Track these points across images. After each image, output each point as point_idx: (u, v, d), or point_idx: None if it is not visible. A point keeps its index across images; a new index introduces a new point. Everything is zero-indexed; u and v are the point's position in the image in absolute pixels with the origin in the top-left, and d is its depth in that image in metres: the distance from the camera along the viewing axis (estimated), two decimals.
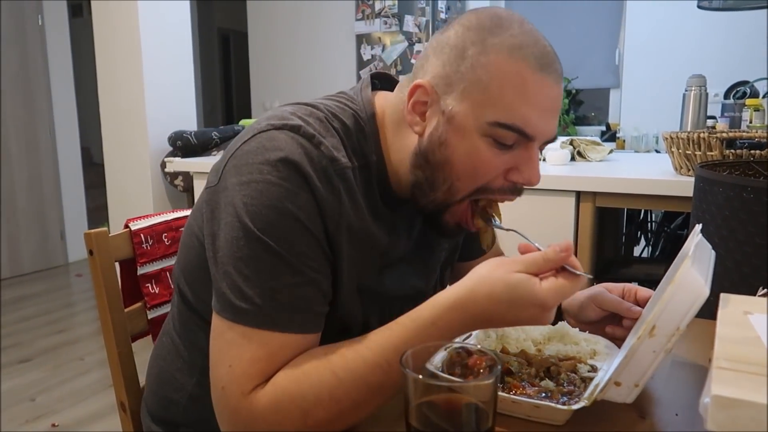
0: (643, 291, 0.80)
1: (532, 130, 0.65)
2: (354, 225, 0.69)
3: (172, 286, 0.98)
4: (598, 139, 2.20)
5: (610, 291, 0.81)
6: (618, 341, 0.77)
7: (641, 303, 0.79)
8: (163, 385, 0.85)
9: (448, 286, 1.03)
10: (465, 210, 0.72)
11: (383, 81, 0.81)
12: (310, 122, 0.69)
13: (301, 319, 0.64)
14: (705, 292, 0.56)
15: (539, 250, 0.62)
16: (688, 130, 1.99)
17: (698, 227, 0.68)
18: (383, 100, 0.76)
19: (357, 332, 0.74)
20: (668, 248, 2.28)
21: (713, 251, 0.69)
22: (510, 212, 1.72)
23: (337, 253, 0.68)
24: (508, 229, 0.71)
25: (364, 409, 0.61)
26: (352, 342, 0.63)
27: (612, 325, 0.80)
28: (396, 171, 0.74)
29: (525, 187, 0.71)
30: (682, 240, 2.16)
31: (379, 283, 0.75)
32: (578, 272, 0.60)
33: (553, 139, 0.70)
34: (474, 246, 0.99)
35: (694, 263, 0.58)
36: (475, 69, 0.65)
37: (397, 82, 0.80)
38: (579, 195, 1.65)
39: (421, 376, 0.48)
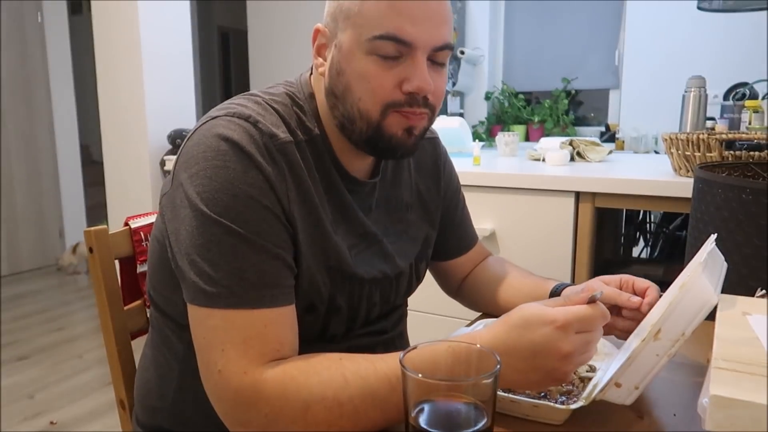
0: (640, 281, 0.80)
1: (408, 37, 0.68)
2: (300, 199, 0.71)
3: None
4: (597, 140, 2.20)
5: (606, 283, 0.82)
6: (618, 332, 0.78)
7: (639, 293, 0.79)
8: (147, 395, 0.86)
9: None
10: (398, 117, 0.71)
11: None
12: (247, 106, 0.72)
13: (271, 294, 0.65)
14: (713, 300, 0.56)
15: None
16: (688, 131, 1.99)
17: (713, 237, 0.68)
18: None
19: (323, 311, 0.75)
20: (667, 249, 2.28)
21: (725, 263, 0.69)
22: (509, 211, 1.72)
23: (295, 226, 0.70)
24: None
25: (364, 420, 0.61)
26: (370, 355, 0.64)
27: (613, 316, 0.80)
28: (339, 144, 0.77)
29: (425, 97, 0.71)
30: (680, 241, 2.17)
31: (347, 264, 0.76)
32: (593, 295, 0.60)
33: (443, 47, 0.71)
34: (460, 243, 1.00)
35: (705, 270, 0.58)
36: None
37: None
38: (578, 195, 1.65)
39: (420, 375, 0.48)
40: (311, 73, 0.80)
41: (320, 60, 0.75)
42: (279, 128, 0.71)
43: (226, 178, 0.65)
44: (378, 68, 0.69)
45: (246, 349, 0.63)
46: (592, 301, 0.60)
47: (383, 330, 0.86)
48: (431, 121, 0.75)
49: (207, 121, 0.71)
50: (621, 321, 0.79)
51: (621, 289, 0.81)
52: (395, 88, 0.70)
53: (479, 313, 0.99)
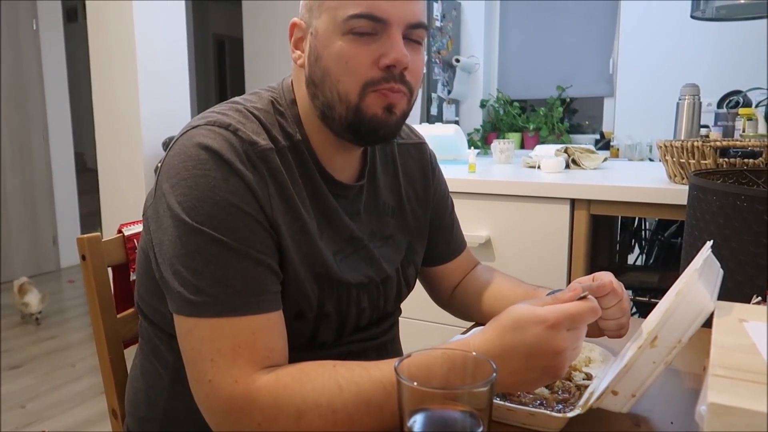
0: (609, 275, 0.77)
1: (382, 14, 0.68)
2: (284, 206, 0.71)
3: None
4: (592, 148, 2.21)
5: (580, 283, 0.80)
6: (609, 332, 0.76)
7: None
8: (138, 406, 0.86)
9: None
10: (376, 97, 0.71)
11: None
12: (228, 114, 0.72)
13: (257, 301, 0.65)
14: (710, 306, 0.56)
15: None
16: (682, 138, 2.00)
17: (709, 244, 0.68)
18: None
19: (312, 318, 0.75)
20: (662, 256, 2.28)
21: (721, 269, 0.69)
22: (505, 219, 1.72)
23: (279, 233, 0.70)
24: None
25: (358, 427, 0.60)
26: (364, 362, 0.64)
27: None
28: (322, 147, 0.76)
29: (402, 73, 0.71)
30: (676, 248, 2.17)
31: (332, 270, 0.76)
32: (583, 294, 0.60)
33: (417, 25, 0.71)
34: (448, 248, 0.99)
35: (701, 277, 0.58)
36: None
37: None
38: (573, 202, 1.65)
39: (415, 383, 0.47)
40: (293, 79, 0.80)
41: (298, 53, 0.76)
42: (259, 136, 0.71)
43: (207, 187, 0.65)
44: (354, 47, 0.69)
45: (235, 357, 0.62)
46: (582, 297, 0.60)
47: (374, 336, 0.85)
48: (410, 103, 0.75)
49: (187, 131, 0.70)
50: (602, 321, 0.75)
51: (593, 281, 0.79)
52: (372, 65, 0.70)
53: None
